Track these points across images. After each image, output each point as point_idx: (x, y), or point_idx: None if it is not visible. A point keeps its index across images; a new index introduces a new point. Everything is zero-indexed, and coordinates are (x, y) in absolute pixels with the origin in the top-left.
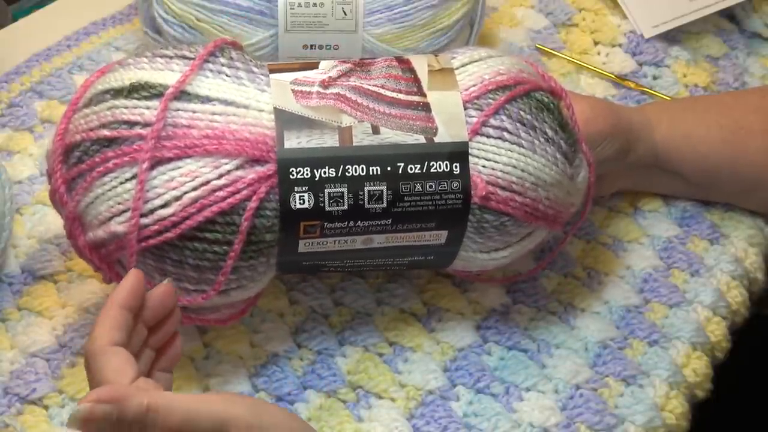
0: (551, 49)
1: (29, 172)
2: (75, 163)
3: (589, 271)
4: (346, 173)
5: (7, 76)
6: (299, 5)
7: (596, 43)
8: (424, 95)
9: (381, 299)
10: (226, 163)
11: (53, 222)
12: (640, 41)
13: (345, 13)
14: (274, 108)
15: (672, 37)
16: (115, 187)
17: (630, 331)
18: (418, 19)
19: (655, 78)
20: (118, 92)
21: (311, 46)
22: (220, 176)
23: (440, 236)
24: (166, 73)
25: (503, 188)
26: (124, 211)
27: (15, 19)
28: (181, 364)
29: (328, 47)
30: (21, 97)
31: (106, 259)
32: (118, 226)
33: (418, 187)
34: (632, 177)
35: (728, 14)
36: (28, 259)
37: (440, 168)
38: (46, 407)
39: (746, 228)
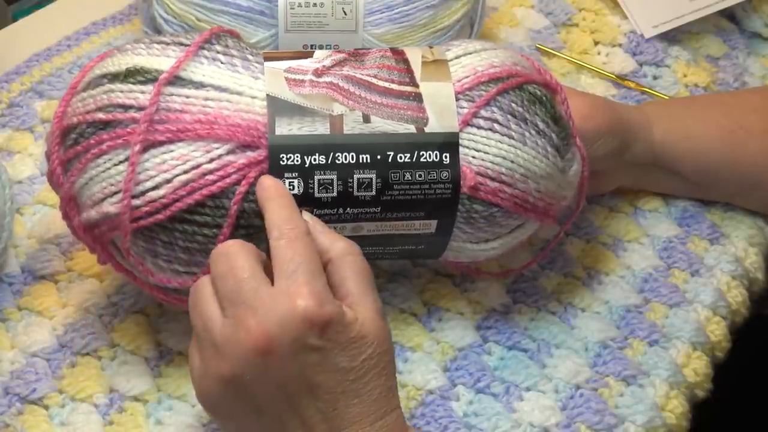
0: (551, 49)
1: (29, 172)
2: (71, 145)
3: (589, 271)
4: (336, 161)
5: (7, 76)
6: (299, 5)
7: (596, 43)
8: (417, 86)
9: (381, 299)
10: (218, 148)
11: (53, 222)
12: (640, 41)
13: (345, 13)
14: (267, 95)
15: (672, 37)
16: (109, 168)
17: (630, 331)
18: (418, 19)
19: (655, 78)
20: (114, 77)
21: (311, 46)
22: (211, 160)
23: (430, 225)
24: (161, 59)
25: (492, 179)
26: (116, 193)
27: (15, 19)
28: (180, 363)
29: (328, 47)
30: (21, 97)
31: (100, 239)
32: (110, 207)
33: (408, 176)
34: (631, 175)
35: (728, 14)
36: (28, 259)
37: (430, 158)
38: (46, 407)
39: (746, 228)
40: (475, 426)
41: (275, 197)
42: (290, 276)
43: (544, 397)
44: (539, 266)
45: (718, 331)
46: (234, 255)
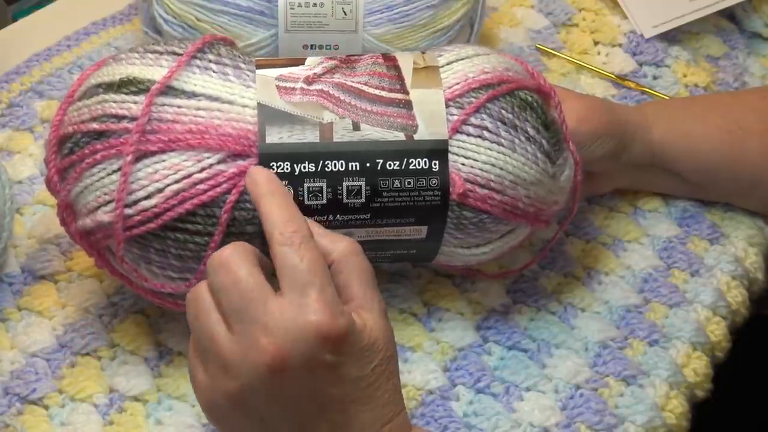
0: (551, 49)
1: (29, 172)
2: (67, 153)
3: (589, 271)
4: (326, 168)
5: (7, 76)
6: (299, 5)
7: (596, 43)
8: (407, 93)
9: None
10: (209, 157)
11: (53, 222)
12: (640, 41)
13: (345, 13)
14: (258, 103)
15: (672, 37)
16: (103, 178)
17: (630, 331)
18: (418, 19)
19: (655, 78)
20: (109, 86)
21: (311, 46)
22: (202, 170)
23: (420, 231)
24: (154, 69)
25: (482, 186)
26: (109, 202)
27: (15, 19)
28: (180, 363)
29: (328, 47)
30: (21, 97)
31: (96, 246)
32: (104, 216)
33: (397, 183)
34: (629, 176)
35: (728, 14)
36: (28, 259)
37: (419, 165)
38: (46, 407)
39: (746, 228)
40: (475, 426)
41: (269, 193)
42: (301, 288)
43: (544, 397)
44: (539, 266)
45: (718, 331)
46: (234, 264)
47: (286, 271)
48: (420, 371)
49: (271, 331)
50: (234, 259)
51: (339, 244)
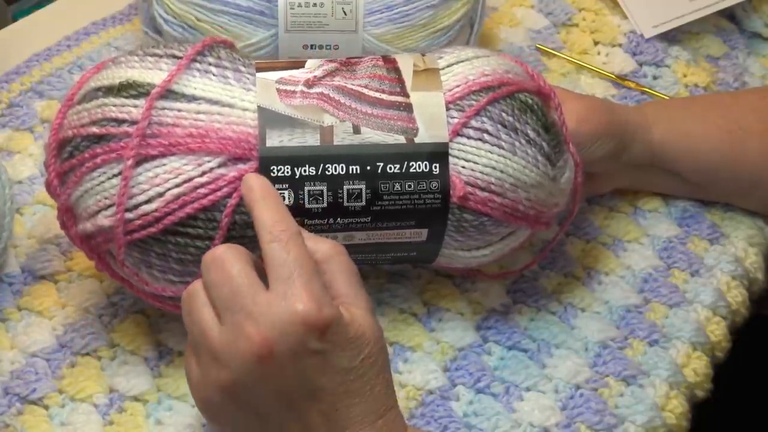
0: (551, 49)
1: (29, 172)
2: (67, 157)
3: (589, 271)
4: (326, 172)
5: (7, 76)
6: (299, 5)
7: (596, 43)
8: (407, 96)
9: (381, 299)
10: (209, 161)
11: (53, 222)
12: (640, 41)
13: (345, 13)
14: (258, 107)
15: (672, 37)
16: (103, 182)
17: (630, 331)
18: (418, 19)
19: (655, 78)
20: (108, 90)
21: (311, 46)
22: (203, 174)
23: (421, 234)
24: (154, 72)
25: (482, 189)
26: (110, 206)
27: (15, 19)
28: (180, 363)
29: (328, 47)
30: (21, 97)
31: (96, 250)
32: (104, 220)
33: (397, 186)
34: (629, 176)
35: (728, 14)
36: (28, 259)
37: (419, 168)
38: (46, 407)
39: (746, 228)
40: (475, 426)
41: (262, 198)
42: (287, 280)
43: (544, 397)
44: (539, 266)
45: (718, 331)
46: (227, 261)
47: (273, 265)
48: (420, 371)
49: (257, 321)
50: (228, 257)
51: (322, 246)
